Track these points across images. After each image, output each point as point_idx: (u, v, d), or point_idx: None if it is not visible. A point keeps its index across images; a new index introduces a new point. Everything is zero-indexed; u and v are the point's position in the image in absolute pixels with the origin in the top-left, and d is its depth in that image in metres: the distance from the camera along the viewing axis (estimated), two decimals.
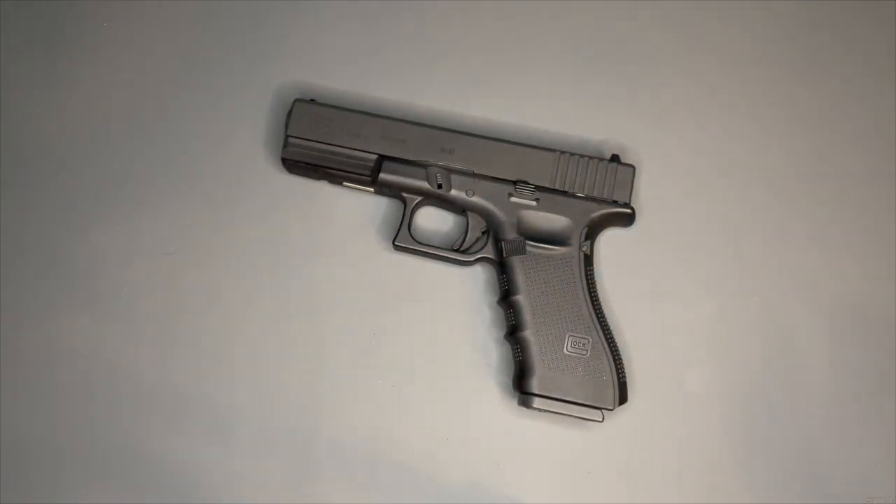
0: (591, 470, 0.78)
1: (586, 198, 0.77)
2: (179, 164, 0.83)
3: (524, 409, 0.76)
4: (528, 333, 0.75)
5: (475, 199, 0.78)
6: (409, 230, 0.79)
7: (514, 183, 0.77)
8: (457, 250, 0.79)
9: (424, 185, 0.78)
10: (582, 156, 0.77)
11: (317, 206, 0.82)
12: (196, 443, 0.79)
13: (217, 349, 0.80)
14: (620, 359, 0.76)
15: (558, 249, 0.76)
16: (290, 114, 0.78)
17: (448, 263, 0.80)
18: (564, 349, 0.75)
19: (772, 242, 0.81)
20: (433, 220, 0.82)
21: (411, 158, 0.78)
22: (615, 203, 0.77)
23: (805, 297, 0.80)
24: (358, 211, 0.81)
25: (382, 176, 0.78)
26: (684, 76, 0.84)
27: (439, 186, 0.78)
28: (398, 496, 0.78)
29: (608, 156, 0.79)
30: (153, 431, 0.79)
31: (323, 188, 0.81)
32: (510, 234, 0.77)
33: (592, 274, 0.77)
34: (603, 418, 0.74)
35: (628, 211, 0.77)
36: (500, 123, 0.82)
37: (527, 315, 0.75)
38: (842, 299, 0.80)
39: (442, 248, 0.79)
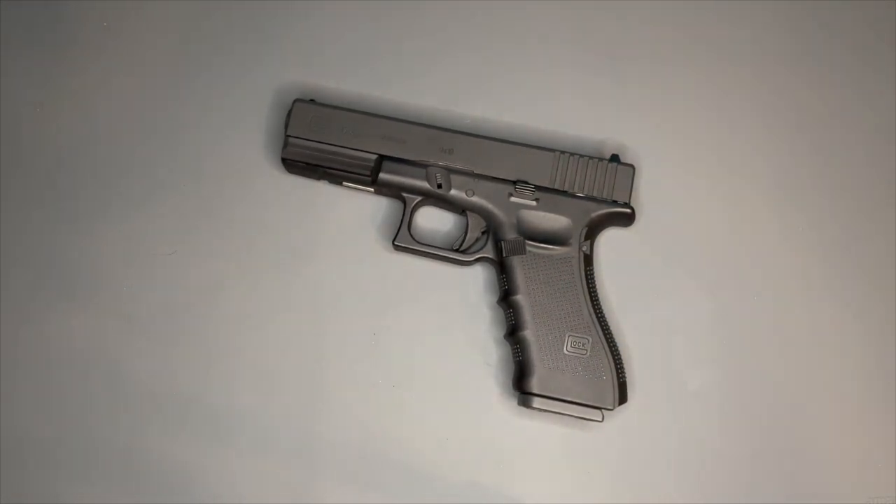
0: (591, 470, 0.78)
1: (586, 198, 0.77)
2: (179, 164, 0.83)
3: (524, 409, 0.76)
4: (528, 333, 0.75)
5: (475, 199, 0.78)
6: (409, 230, 0.79)
7: (514, 183, 0.77)
8: (457, 250, 0.79)
9: (424, 184, 0.78)
10: (581, 156, 0.77)
11: (317, 206, 0.82)
12: (196, 443, 0.79)
13: (217, 349, 0.80)
14: (620, 359, 0.75)
15: (558, 249, 0.76)
16: (289, 114, 0.78)
17: (448, 263, 0.80)
18: (564, 349, 0.75)
19: (771, 242, 0.81)
20: (433, 220, 0.82)
21: (411, 158, 0.78)
22: (615, 203, 0.77)
23: (805, 297, 0.80)
24: (358, 211, 0.81)
25: (382, 176, 0.78)
26: (685, 76, 0.84)
27: (439, 186, 0.78)
28: (398, 496, 0.78)
29: (608, 155, 0.79)
30: (153, 431, 0.79)
31: (323, 188, 0.81)
32: (510, 234, 0.77)
33: (592, 274, 0.77)
34: (603, 418, 0.74)
35: (628, 211, 0.77)
36: (499, 123, 0.82)
37: (526, 315, 0.75)
38: (842, 299, 0.80)
39: (442, 248, 0.79)
